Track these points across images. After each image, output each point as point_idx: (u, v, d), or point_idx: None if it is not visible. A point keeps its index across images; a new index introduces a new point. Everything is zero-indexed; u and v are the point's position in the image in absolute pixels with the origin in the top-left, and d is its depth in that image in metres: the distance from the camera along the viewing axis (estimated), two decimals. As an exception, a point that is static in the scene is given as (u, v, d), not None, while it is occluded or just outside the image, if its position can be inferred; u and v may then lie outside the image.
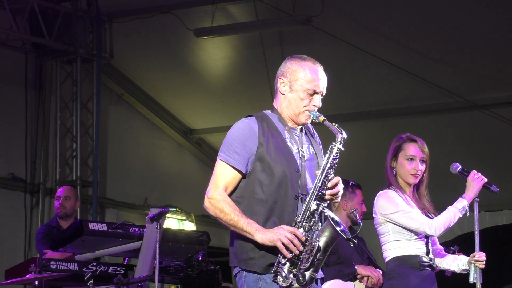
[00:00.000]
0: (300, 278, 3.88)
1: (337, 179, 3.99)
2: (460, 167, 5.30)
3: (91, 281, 6.37)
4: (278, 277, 3.88)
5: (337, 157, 4.02)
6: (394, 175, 5.29)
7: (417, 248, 5.20)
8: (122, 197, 10.92)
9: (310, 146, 4.18)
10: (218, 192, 4.01)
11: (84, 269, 6.84)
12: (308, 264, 3.89)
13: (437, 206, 5.31)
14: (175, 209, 10.59)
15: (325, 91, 4.16)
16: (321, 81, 4.12)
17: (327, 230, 3.94)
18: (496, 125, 10.16)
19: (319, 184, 3.97)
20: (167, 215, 6.62)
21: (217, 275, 7.26)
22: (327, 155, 4.03)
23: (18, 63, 9.99)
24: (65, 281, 6.87)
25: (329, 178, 3.98)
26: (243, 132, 4.05)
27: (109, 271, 7.00)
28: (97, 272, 6.91)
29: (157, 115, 11.39)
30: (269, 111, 4.21)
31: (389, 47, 9.64)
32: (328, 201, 3.98)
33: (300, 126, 4.18)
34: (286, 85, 4.14)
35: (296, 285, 3.88)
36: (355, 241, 4.17)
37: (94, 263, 7.04)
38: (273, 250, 3.92)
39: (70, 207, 8.03)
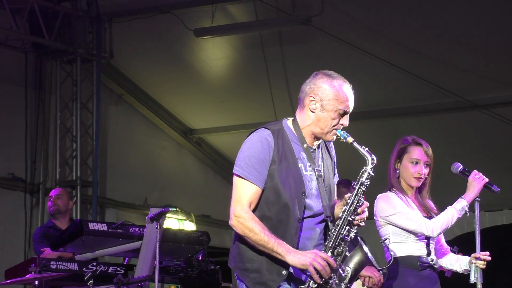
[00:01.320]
0: None
1: (366, 204, 4.03)
2: (461, 167, 5.30)
3: (91, 281, 6.37)
4: None
5: (367, 182, 4.04)
6: (397, 176, 5.29)
7: (417, 249, 5.21)
8: (122, 197, 10.92)
9: (322, 163, 4.17)
10: (245, 210, 3.97)
11: (84, 269, 6.84)
12: None
13: (437, 206, 5.32)
14: (175, 209, 10.57)
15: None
16: (351, 101, 4.14)
17: (358, 255, 4.00)
18: (496, 125, 10.16)
19: (351, 210, 3.99)
20: (167, 215, 6.62)
21: (217, 275, 7.27)
22: (357, 181, 4.05)
23: (18, 63, 9.98)
24: (65, 281, 6.88)
25: (360, 204, 4.01)
26: (261, 147, 4.03)
27: (109, 271, 7.00)
28: (97, 272, 6.91)
29: (157, 115, 11.39)
30: (289, 123, 4.15)
31: (389, 47, 9.64)
32: (356, 226, 4.00)
33: (318, 143, 4.17)
34: (317, 103, 4.09)
35: None
36: (386, 272, 4.18)
37: (94, 263, 7.04)
38: (266, 267, 3.94)
39: (62, 205, 8.07)
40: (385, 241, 5.23)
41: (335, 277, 3.91)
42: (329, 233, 4.02)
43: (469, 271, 5.20)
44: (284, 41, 10.11)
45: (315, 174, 4.09)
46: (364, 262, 4.01)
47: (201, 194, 12.02)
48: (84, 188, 10.29)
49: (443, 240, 5.41)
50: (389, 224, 5.20)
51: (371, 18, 9.55)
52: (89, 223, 7.09)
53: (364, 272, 6.44)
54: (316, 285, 3.88)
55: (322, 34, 9.55)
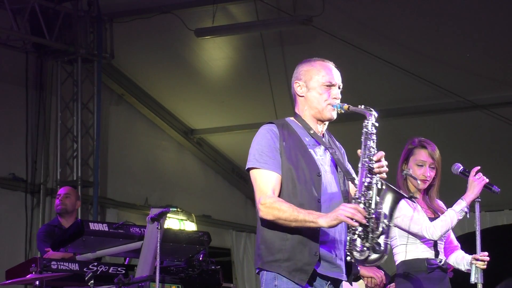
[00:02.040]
0: (376, 246, 3.91)
1: (381, 153, 4.04)
2: (462, 167, 5.31)
3: (92, 281, 6.38)
4: (354, 253, 3.94)
5: (373, 132, 4.10)
6: (404, 178, 5.31)
7: (424, 251, 5.22)
8: (122, 197, 10.92)
9: (334, 153, 4.20)
10: (269, 196, 3.99)
11: (85, 269, 6.85)
12: (379, 231, 3.92)
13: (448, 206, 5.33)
14: (175, 209, 10.52)
15: (341, 85, 4.24)
16: (335, 74, 4.22)
17: (387, 194, 3.99)
18: (496, 125, 10.17)
19: (366, 159, 4.01)
20: (168, 215, 6.62)
21: (217, 275, 7.27)
22: (363, 132, 4.10)
23: (19, 63, 9.99)
24: (66, 281, 6.88)
25: (372, 152, 4.04)
26: (269, 136, 4.09)
27: (110, 271, 7.01)
28: (98, 272, 6.92)
29: (158, 115, 11.39)
30: (291, 118, 4.23)
31: (390, 47, 9.64)
32: (378, 175, 4.00)
33: (323, 131, 4.21)
34: (303, 86, 4.19)
35: (373, 255, 3.92)
36: (417, 196, 4.10)
37: (95, 263, 7.04)
38: (298, 253, 3.96)
39: (70, 204, 8.03)
40: (393, 243, 5.23)
41: (371, 221, 3.91)
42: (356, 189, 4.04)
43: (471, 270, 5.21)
44: (285, 41, 10.11)
45: (328, 155, 4.15)
46: (395, 197, 4.01)
47: (202, 194, 12.02)
48: (85, 188, 10.29)
49: (452, 237, 5.42)
50: (395, 226, 5.21)
51: (372, 18, 9.55)
52: (90, 223, 7.10)
53: (366, 272, 6.43)
54: (356, 235, 3.92)
55: (323, 34, 9.55)
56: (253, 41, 10.14)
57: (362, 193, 3.98)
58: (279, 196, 4.03)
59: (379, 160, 4.02)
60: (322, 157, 4.13)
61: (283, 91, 10.33)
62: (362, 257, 3.93)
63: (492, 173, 5.51)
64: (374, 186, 3.98)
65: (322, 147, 4.17)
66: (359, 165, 4.05)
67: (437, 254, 5.24)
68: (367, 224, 3.91)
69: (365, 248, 3.92)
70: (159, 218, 6.39)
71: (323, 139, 4.20)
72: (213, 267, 7.24)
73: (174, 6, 9.85)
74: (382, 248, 3.92)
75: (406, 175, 5.26)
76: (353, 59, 9.78)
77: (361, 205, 3.93)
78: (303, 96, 4.19)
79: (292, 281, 3.96)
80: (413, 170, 5.30)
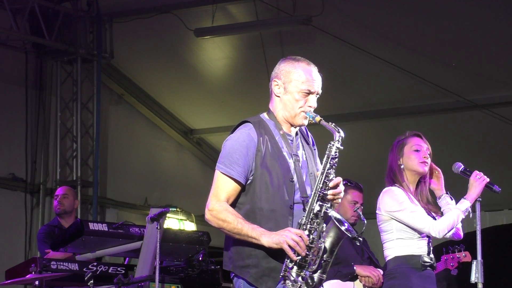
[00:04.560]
0: (309, 280, 3.86)
1: (339, 179, 3.97)
2: (463, 167, 5.31)
3: (92, 281, 6.37)
4: (287, 281, 3.87)
5: (336, 156, 3.99)
6: (402, 171, 5.28)
7: (419, 247, 5.21)
8: (122, 197, 10.92)
9: (303, 151, 4.15)
10: (219, 203, 3.95)
11: (84, 269, 6.84)
12: (316, 266, 3.87)
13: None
14: (175, 209, 10.60)
15: (320, 91, 4.12)
16: (315, 81, 4.09)
17: (332, 230, 3.93)
18: (496, 125, 10.16)
19: (320, 185, 3.94)
20: (168, 215, 6.62)
21: (217, 275, 7.27)
22: (325, 156, 3.99)
23: (19, 63, 9.99)
24: (65, 281, 6.88)
25: (330, 178, 3.95)
26: (243, 143, 4.01)
27: (110, 271, 7.01)
28: (98, 272, 6.92)
29: (158, 115, 11.39)
30: (265, 115, 4.18)
31: (390, 47, 9.64)
32: (330, 202, 3.95)
33: (296, 130, 4.15)
34: (281, 87, 4.11)
35: (304, 287, 3.86)
36: (361, 239, 4.16)
37: (95, 263, 7.04)
38: (267, 258, 3.92)
39: (68, 204, 8.02)
40: (387, 237, 5.22)
41: (311, 252, 3.87)
42: (303, 210, 3.98)
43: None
44: (285, 41, 10.11)
45: (293, 160, 4.06)
46: (339, 234, 3.94)
47: (201, 194, 11.87)
48: (84, 188, 10.29)
49: None
50: (393, 219, 5.20)
51: (372, 18, 9.55)
52: (89, 223, 7.10)
53: (362, 271, 6.43)
54: (293, 263, 3.86)
55: (323, 34, 9.55)
56: (252, 41, 10.14)
57: (310, 219, 3.91)
58: (249, 197, 3.99)
59: (335, 187, 3.95)
60: (294, 157, 4.07)
61: (283, 91, 10.32)
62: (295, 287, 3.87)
63: (492, 173, 5.51)
64: (322, 215, 3.92)
65: (296, 148, 4.10)
66: (313, 191, 3.96)
67: (429, 252, 5.24)
68: (307, 255, 3.86)
69: (299, 278, 3.86)
70: (159, 218, 6.39)
71: (291, 143, 4.10)
72: (212, 267, 7.24)
73: (173, 6, 9.85)
74: (314, 284, 3.87)
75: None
76: (352, 59, 9.78)
77: (306, 232, 3.88)
78: (279, 97, 4.12)
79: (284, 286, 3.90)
80: (411, 156, 5.29)
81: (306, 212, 3.93)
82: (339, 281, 6.43)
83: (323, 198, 3.93)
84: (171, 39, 10.38)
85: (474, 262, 5.16)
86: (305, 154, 4.14)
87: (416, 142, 5.33)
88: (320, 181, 3.95)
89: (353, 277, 6.46)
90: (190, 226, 11.40)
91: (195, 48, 10.54)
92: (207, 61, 10.73)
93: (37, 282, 6.48)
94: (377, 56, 9.60)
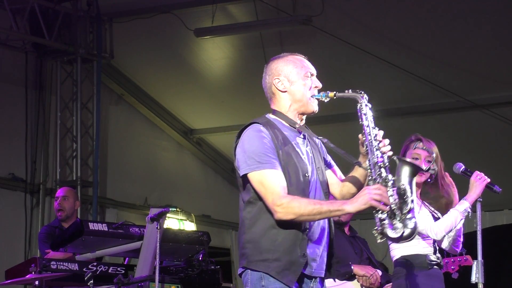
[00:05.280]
0: (408, 223, 3.89)
1: (382, 132, 4.04)
2: (463, 167, 5.32)
3: (92, 281, 6.37)
4: (387, 231, 3.87)
5: (370, 112, 4.10)
6: None
7: (424, 247, 5.24)
8: (122, 197, 10.92)
9: (310, 146, 4.16)
10: (282, 196, 3.89)
11: (84, 269, 6.84)
12: (408, 207, 3.91)
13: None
14: (175, 209, 10.59)
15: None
16: (309, 63, 4.18)
17: (403, 168, 3.99)
18: (496, 125, 10.17)
19: (371, 139, 4.00)
20: (167, 215, 6.61)
21: (217, 275, 7.26)
22: (360, 114, 4.09)
23: (18, 63, 9.99)
24: (65, 281, 6.87)
25: (374, 132, 4.03)
26: (261, 137, 4.00)
27: (110, 271, 7.00)
28: (98, 272, 6.91)
29: (157, 115, 11.39)
30: (270, 115, 4.18)
31: (390, 47, 9.64)
32: (386, 153, 3.99)
33: (303, 123, 4.16)
34: (284, 81, 4.14)
35: (407, 231, 3.88)
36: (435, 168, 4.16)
37: (95, 263, 7.04)
38: (288, 252, 3.91)
39: (69, 208, 7.98)
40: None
41: (396, 199, 3.89)
42: (368, 171, 4.00)
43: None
44: (285, 41, 10.10)
45: (308, 156, 4.10)
46: (414, 171, 4.01)
47: (201, 194, 12.02)
48: (84, 188, 10.29)
49: None
50: None
51: (372, 18, 9.55)
52: (89, 223, 7.09)
53: (359, 271, 6.43)
54: (385, 214, 3.88)
55: (323, 34, 9.55)
56: (252, 41, 10.14)
57: (378, 173, 3.94)
58: None
59: (382, 139, 4.02)
60: (307, 156, 4.09)
61: (283, 91, 10.33)
62: (397, 235, 3.88)
63: (492, 173, 5.51)
64: (387, 164, 3.96)
65: (305, 144, 4.13)
66: (365, 148, 4.02)
67: (435, 250, 5.26)
68: (394, 203, 3.88)
69: (397, 226, 3.88)
70: (159, 218, 6.39)
71: (303, 140, 4.13)
72: (212, 267, 7.23)
73: (173, 6, 9.85)
74: (414, 223, 3.89)
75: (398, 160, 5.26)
76: (352, 59, 9.78)
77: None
78: (285, 91, 4.13)
79: (280, 281, 3.90)
80: None
81: (372, 167, 3.96)
82: (337, 280, 6.43)
83: (378, 149, 3.98)
84: (171, 39, 10.38)
85: (475, 262, 5.17)
86: (312, 149, 4.15)
87: (416, 150, 5.34)
88: (370, 135, 4.01)
89: (350, 277, 6.46)
90: (190, 226, 11.41)
91: (195, 48, 10.54)
92: (207, 61, 10.73)
93: (37, 282, 6.48)
94: (377, 56, 9.60)
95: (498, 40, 9.39)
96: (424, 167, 5.29)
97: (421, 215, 5.19)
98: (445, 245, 5.33)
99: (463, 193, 5.26)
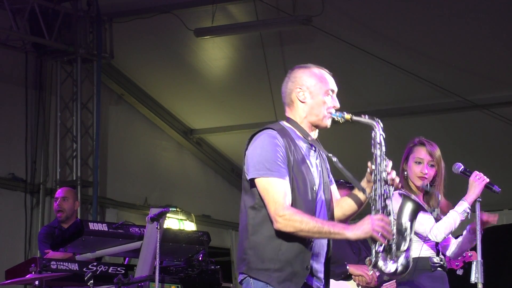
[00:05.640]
0: (403, 260, 3.92)
1: (391, 163, 4.04)
2: (463, 167, 5.32)
3: (91, 281, 6.37)
4: (381, 265, 3.90)
5: (383, 143, 4.05)
6: (404, 177, 5.33)
7: (427, 249, 5.24)
8: (122, 197, 10.92)
9: (320, 159, 4.18)
10: (285, 207, 3.89)
11: (84, 269, 6.84)
12: (406, 245, 3.94)
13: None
14: (175, 209, 10.59)
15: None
16: (333, 81, 4.19)
17: (406, 205, 4.02)
18: (496, 125, 10.17)
19: (381, 170, 4.00)
20: (167, 215, 6.62)
21: (217, 275, 7.26)
22: (373, 143, 4.06)
23: (18, 63, 9.99)
24: (65, 281, 6.87)
25: (385, 163, 4.02)
26: (275, 144, 3.99)
27: (110, 271, 7.00)
28: (98, 272, 6.91)
29: (157, 115, 11.39)
30: (285, 123, 4.17)
31: (389, 47, 9.64)
32: (392, 184, 4.00)
33: (316, 136, 4.18)
34: (305, 92, 4.14)
35: (400, 268, 3.91)
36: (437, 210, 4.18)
37: (95, 263, 7.04)
38: (290, 263, 3.92)
39: (68, 208, 7.97)
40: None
41: (395, 235, 3.92)
42: (370, 200, 4.01)
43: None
44: (285, 41, 10.11)
45: (317, 170, 4.11)
46: (416, 209, 4.03)
47: (201, 194, 12.02)
48: (84, 188, 10.29)
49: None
50: None
51: (372, 18, 9.55)
52: (89, 223, 7.08)
53: (355, 270, 6.43)
54: (382, 246, 3.89)
55: (323, 34, 9.55)
56: (252, 41, 10.14)
57: (383, 204, 3.96)
58: None
59: (391, 170, 4.03)
60: (316, 169, 4.10)
61: (283, 91, 10.32)
62: (389, 270, 3.91)
63: (492, 173, 5.51)
64: (390, 196, 3.98)
65: (315, 157, 4.14)
66: (373, 178, 4.02)
67: (438, 253, 5.27)
68: (392, 238, 3.91)
69: (391, 261, 3.91)
70: (159, 218, 6.39)
71: (314, 152, 4.14)
72: (212, 267, 7.23)
73: (173, 6, 9.85)
74: (408, 261, 3.93)
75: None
76: (352, 59, 9.78)
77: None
78: (304, 103, 4.14)
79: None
80: (412, 167, 5.32)
81: (377, 197, 3.97)
82: (332, 280, 6.43)
83: (386, 182, 3.98)
84: (171, 39, 10.38)
85: (474, 262, 5.17)
86: (321, 162, 4.17)
87: (419, 154, 5.35)
88: (381, 166, 4.00)
89: (347, 277, 6.46)
90: (190, 226, 11.41)
91: (195, 48, 10.54)
92: (207, 61, 10.73)
93: (37, 282, 6.48)
94: (377, 56, 9.60)
95: (498, 40, 9.39)
96: (426, 171, 5.29)
97: (423, 217, 5.20)
98: (452, 251, 5.35)
99: (462, 193, 5.26)
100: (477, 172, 5.25)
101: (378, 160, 4.02)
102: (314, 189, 4.04)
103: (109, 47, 10.52)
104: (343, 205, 4.20)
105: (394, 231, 3.91)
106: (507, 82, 9.81)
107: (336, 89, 4.17)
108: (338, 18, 9.55)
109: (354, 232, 3.86)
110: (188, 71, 10.75)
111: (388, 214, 3.94)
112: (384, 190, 3.97)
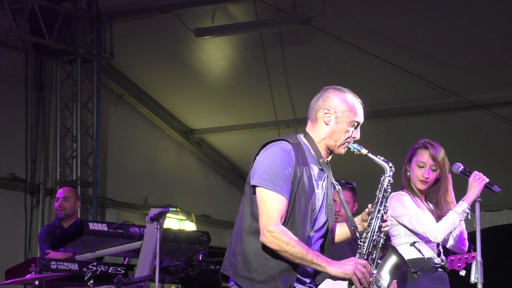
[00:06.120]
0: None
1: (390, 211, 4.12)
2: (462, 167, 5.32)
3: (91, 281, 6.37)
4: None
5: (388, 189, 4.10)
6: (407, 178, 5.34)
7: (427, 250, 5.24)
8: (122, 197, 10.92)
9: (326, 182, 4.18)
10: (277, 224, 3.90)
11: (84, 269, 6.84)
12: None
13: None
14: (175, 209, 10.56)
15: None
16: (362, 113, 4.18)
17: (391, 257, 4.06)
18: (496, 125, 10.17)
19: (379, 216, 4.06)
20: (167, 215, 6.62)
21: (217, 275, 7.26)
22: (380, 187, 4.12)
23: (18, 63, 9.99)
24: (65, 281, 6.87)
25: (385, 211, 4.08)
26: (287, 161, 3.99)
27: (110, 271, 7.00)
28: (98, 272, 6.91)
29: (157, 115, 11.39)
30: (302, 137, 4.16)
31: (390, 47, 9.64)
32: (383, 232, 4.08)
33: (329, 158, 4.19)
34: (332, 115, 4.11)
35: None
36: (420, 274, 4.27)
37: (95, 263, 7.04)
38: (276, 278, 3.93)
39: (69, 208, 8.00)
40: (397, 241, 5.26)
41: (373, 284, 3.96)
42: (359, 241, 4.07)
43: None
44: (285, 41, 10.11)
45: (322, 192, 4.12)
46: (400, 265, 4.06)
47: (201, 194, 12.02)
48: (84, 188, 10.29)
49: None
50: (400, 224, 5.23)
51: (372, 18, 9.55)
52: (89, 223, 7.09)
53: None
54: None
55: (323, 34, 9.55)
56: (252, 41, 10.14)
57: (370, 250, 4.02)
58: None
59: (387, 218, 4.08)
60: (319, 191, 4.10)
61: (283, 91, 10.33)
62: None
63: (492, 173, 5.51)
64: (380, 245, 4.03)
65: (323, 179, 4.14)
66: (368, 222, 4.08)
67: (439, 253, 5.27)
68: (371, 286, 3.95)
69: None
70: (159, 218, 6.39)
71: (324, 173, 4.14)
72: (212, 267, 7.23)
73: (173, 6, 9.85)
74: None
75: None
76: (352, 59, 9.78)
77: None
78: (327, 125, 4.11)
79: None
80: (414, 170, 5.32)
81: (367, 242, 4.04)
82: (330, 280, 6.41)
83: (379, 229, 4.06)
84: (171, 39, 10.38)
85: (474, 263, 5.17)
86: (327, 185, 4.17)
87: (422, 157, 5.34)
88: (379, 213, 4.07)
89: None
90: (190, 226, 11.41)
91: (195, 48, 10.54)
92: (207, 61, 10.73)
93: (37, 282, 6.48)
94: (377, 56, 9.60)
95: (498, 40, 9.39)
96: (427, 175, 5.30)
97: (424, 218, 5.20)
98: (450, 243, 5.34)
99: (462, 193, 5.26)
100: (477, 172, 5.25)
101: (379, 205, 4.08)
102: (315, 210, 4.04)
103: (109, 47, 10.52)
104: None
105: (372, 280, 3.95)
106: (507, 82, 9.81)
107: (362, 121, 4.17)
108: (338, 18, 9.55)
109: (336, 269, 3.91)
110: (188, 71, 10.75)
111: (372, 262, 3.99)
112: (375, 237, 4.02)
